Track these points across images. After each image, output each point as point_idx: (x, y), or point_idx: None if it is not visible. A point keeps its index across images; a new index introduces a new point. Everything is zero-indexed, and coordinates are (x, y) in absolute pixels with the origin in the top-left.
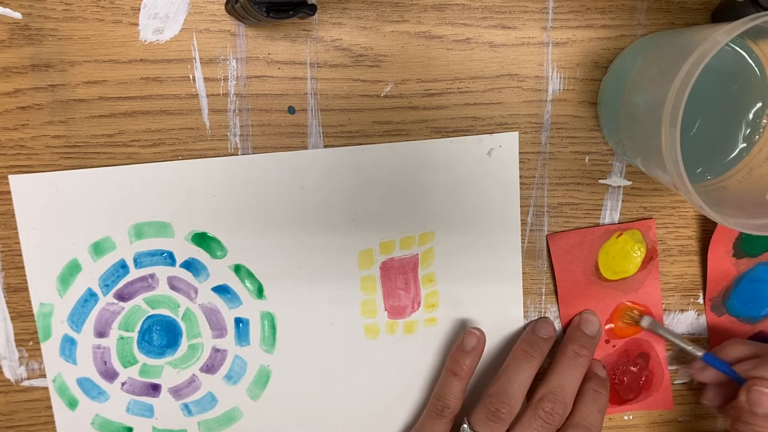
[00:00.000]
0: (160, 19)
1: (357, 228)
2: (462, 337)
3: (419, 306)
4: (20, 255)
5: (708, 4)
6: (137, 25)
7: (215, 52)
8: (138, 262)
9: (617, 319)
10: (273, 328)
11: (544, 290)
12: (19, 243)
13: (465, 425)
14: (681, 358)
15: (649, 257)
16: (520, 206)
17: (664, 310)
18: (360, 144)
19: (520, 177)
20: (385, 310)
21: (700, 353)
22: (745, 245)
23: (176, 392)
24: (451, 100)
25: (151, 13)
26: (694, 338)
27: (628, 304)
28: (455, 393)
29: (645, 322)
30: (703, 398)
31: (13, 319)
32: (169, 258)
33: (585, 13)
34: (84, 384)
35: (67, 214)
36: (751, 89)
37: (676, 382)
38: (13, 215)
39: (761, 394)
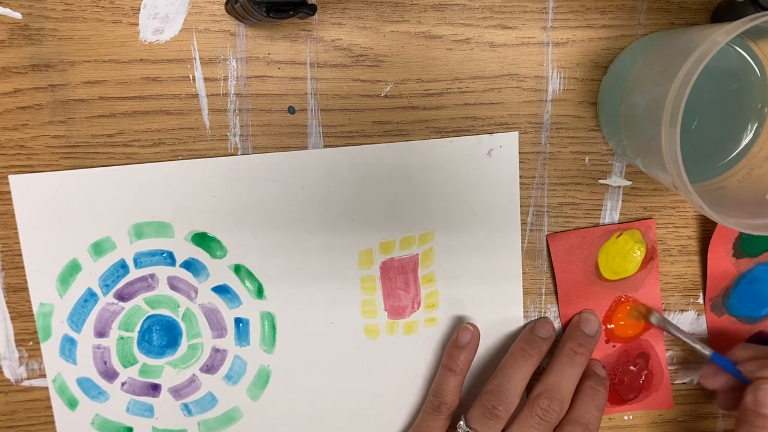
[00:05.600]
0: (160, 19)
1: (357, 228)
2: (456, 333)
3: (419, 306)
4: (20, 255)
5: (708, 4)
6: (137, 25)
7: (215, 52)
8: (138, 262)
9: (622, 316)
10: (273, 328)
11: (544, 290)
12: (19, 243)
13: (462, 422)
14: (682, 358)
15: (649, 257)
16: (520, 206)
17: (664, 310)
18: (360, 144)
19: (520, 177)
20: (385, 310)
21: (708, 352)
22: (745, 245)
23: (176, 392)
24: (451, 100)
25: (151, 13)
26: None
27: (630, 308)
28: (451, 389)
29: (654, 318)
30: (717, 402)
31: (13, 319)
32: (169, 258)
33: (585, 13)
34: (84, 384)
35: (67, 214)
36: (751, 89)
37: (676, 382)
38: (13, 215)
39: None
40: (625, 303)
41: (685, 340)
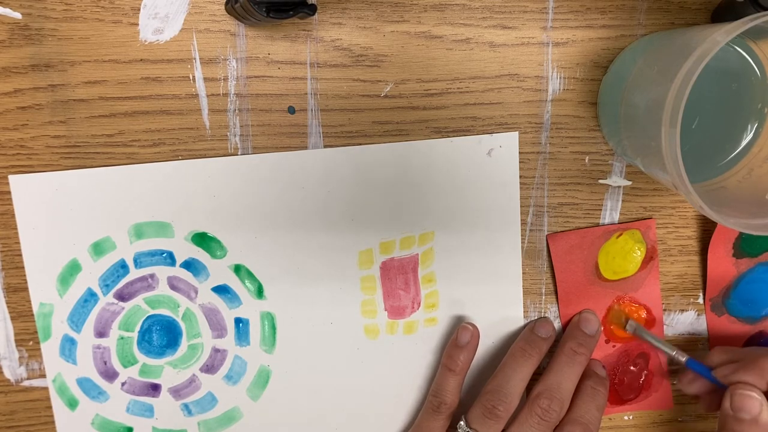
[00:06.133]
0: (160, 19)
1: (357, 228)
2: (456, 333)
3: (419, 306)
4: (20, 255)
5: (708, 4)
6: (137, 25)
7: (215, 52)
8: (138, 262)
9: (609, 319)
10: (273, 328)
11: (544, 290)
12: (19, 243)
13: (462, 422)
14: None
15: (649, 257)
16: (520, 206)
17: (664, 310)
18: (360, 144)
19: (520, 177)
20: (385, 310)
21: (683, 358)
22: (745, 245)
23: (176, 392)
24: (451, 100)
25: (151, 13)
26: (694, 338)
27: (620, 305)
28: (451, 389)
29: (630, 327)
30: (701, 405)
31: (13, 319)
32: (169, 258)
33: (585, 13)
34: (84, 384)
35: (67, 214)
36: (751, 89)
37: (676, 382)
38: (13, 215)
39: (744, 397)
40: (625, 304)
41: (661, 347)
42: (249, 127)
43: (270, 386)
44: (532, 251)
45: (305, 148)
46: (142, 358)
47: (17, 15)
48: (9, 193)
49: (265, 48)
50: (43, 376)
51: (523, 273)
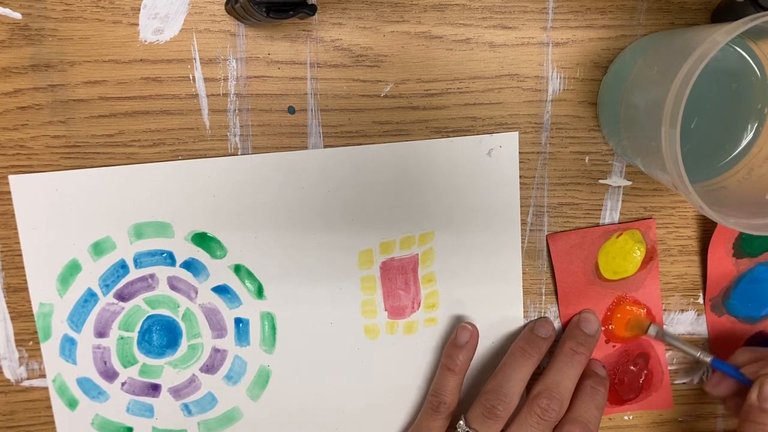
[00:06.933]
0: (160, 19)
1: (357, 228)
2: (455, 333)
3: (419, 306)
4: (20, 255)
5: (708, 4)
6: (137, 25)
7: (215, 52)
8: (138, 262)
9: (622, 324)
10: (273, 328)
11: (544, 290)
12: (19, 243)
13: (461, 422)
14: (683, 358)
15: (649, 257)
16: (520, 206)
17: (664, 310)
18: (360, 144)
19: (520, 177)
20: (385, 310)
21: (708, 359)
22: (745, 245)
23: (176, 392)
24: (451, 100)
25: (151, 13)
26: (694, 338)
27: (630, 308)
28: (451, 388)
29: (653, 330)
30: (726, 409)
31: (13, 319)
32: (169, 258)
33: (585, 13)
34: (84, 384)
35: (67, 214)
36: (751, 89)
37: (676, 382)
38: (13, 215)
39: None
40: (625, 304)
41: (685, 349)
42: (249, 127)
43: (270, 386)
44: (532, 251)
45: (305, 148)
46: (142, 358)
47: (17, 15)
48: (9, 193)
49: (265, 48)
50: (43, 376)
51: (523, 273)
